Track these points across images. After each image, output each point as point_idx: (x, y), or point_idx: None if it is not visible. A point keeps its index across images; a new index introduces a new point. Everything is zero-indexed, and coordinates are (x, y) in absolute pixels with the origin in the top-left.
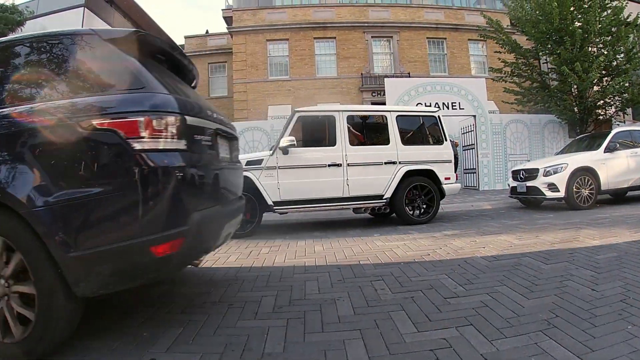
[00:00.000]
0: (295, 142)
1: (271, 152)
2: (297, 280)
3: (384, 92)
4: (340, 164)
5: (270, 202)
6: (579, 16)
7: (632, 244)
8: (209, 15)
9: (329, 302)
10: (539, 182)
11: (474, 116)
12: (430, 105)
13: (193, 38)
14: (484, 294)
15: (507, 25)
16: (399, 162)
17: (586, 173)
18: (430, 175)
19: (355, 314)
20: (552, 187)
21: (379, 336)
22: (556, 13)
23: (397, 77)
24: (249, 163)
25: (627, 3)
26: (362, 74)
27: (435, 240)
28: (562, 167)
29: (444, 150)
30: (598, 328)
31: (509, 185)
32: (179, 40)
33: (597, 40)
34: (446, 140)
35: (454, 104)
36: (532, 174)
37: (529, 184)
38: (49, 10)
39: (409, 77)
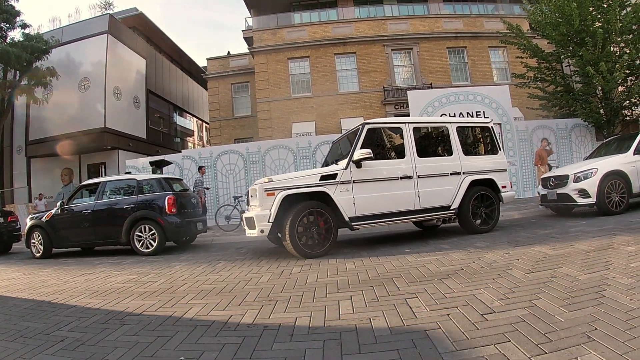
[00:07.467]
0: (372, 154)
1: (345, 165)
2: (330, 300)
3: (407, 105)
4: (411, 176)
5: (346, 218)
6: (599, 16)
7: None
8: (229, 34)
9: (365, 321)
10: (570, 189)
11: (499, 124)
12: (454, 116)
13: (215, 60)
14: (522, 308)
15: (527, 30)
16: (463, 173)
17: (617, 177)
18: (491, 184)
19: (391, 334)
20: (583, 193)
21: (418, 356)
22: (576, 14)
23: (419, 88)
24: (323, 178)
25: None
26: (384, 87)
27: (468, 254)
28: (592, 172)
29: (500, 159)
30: (638, 339)
31: (538, 193)
32: (201, 62)
33: (619, 39)
34: (501, 149)
35: (478, 113)
36: (562, 180)
37: (560, 191)
38: (74, 38)
39: (431, 87)
